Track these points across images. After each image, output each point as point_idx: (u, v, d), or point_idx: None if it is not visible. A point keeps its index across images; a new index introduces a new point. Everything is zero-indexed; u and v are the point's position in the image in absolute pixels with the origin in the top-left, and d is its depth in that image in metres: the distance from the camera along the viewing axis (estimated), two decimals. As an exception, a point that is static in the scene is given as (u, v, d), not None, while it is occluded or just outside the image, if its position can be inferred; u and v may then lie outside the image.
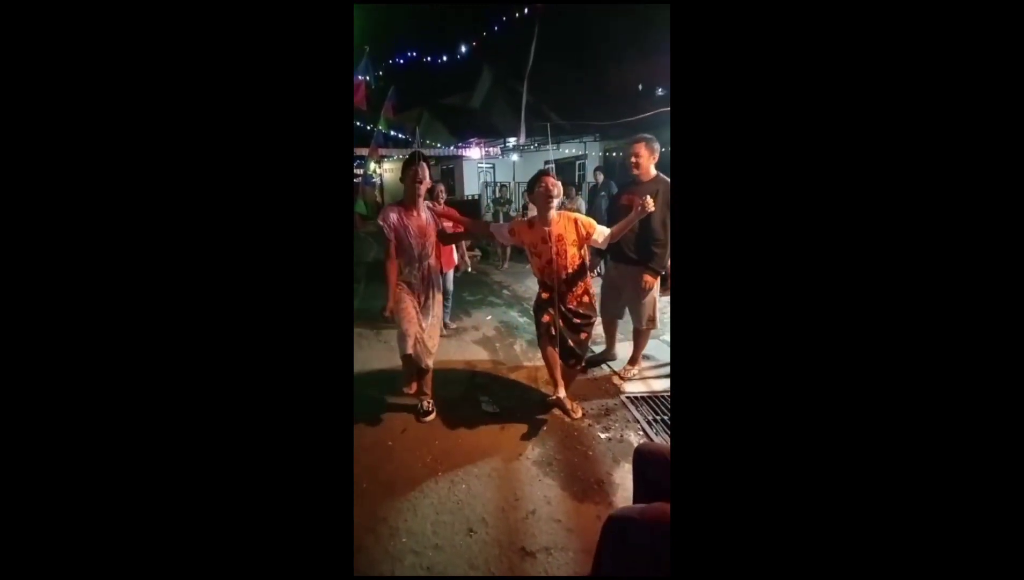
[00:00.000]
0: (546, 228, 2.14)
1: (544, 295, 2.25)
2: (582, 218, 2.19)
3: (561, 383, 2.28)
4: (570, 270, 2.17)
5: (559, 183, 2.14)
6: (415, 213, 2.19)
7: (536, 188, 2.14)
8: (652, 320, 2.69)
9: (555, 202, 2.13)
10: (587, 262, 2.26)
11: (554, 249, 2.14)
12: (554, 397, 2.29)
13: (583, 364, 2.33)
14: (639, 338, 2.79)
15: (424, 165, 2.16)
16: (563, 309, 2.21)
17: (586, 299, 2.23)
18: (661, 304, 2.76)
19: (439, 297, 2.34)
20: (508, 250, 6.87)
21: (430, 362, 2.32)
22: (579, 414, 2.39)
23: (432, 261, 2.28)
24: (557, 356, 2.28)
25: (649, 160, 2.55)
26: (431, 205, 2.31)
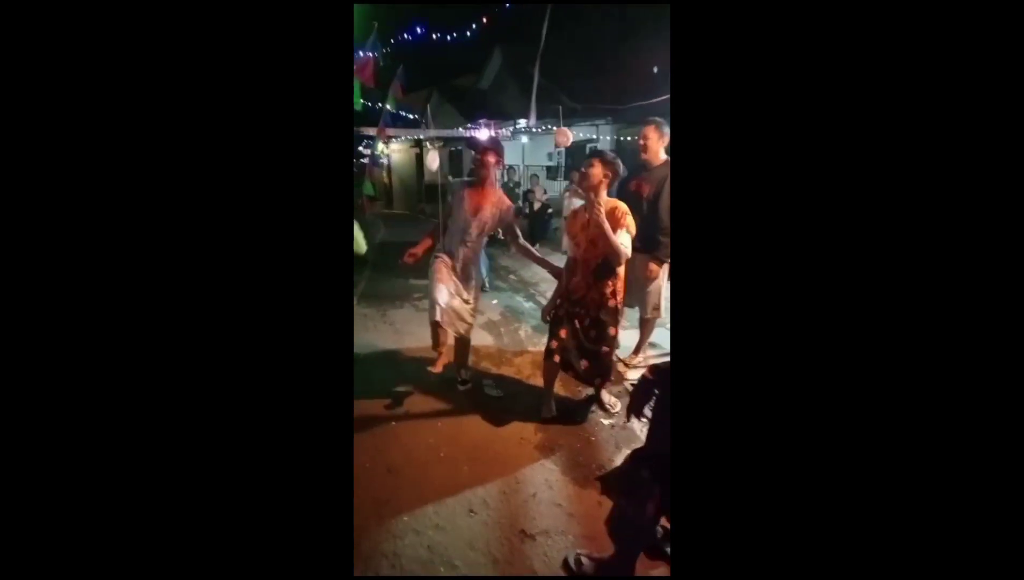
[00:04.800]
0: (587, 214, 1.99)
1: (561, 311, 2.11)
2: (622, 207, 1.99)
3: (551, 401, 2.26)
4: (600, 259, 2.01)
5: (599, 167, 1.97)
6: (478, 191, 2.25)
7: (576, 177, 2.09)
8: (657, 308, 2.66)
9: (601, 189, 1.97)
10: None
11: (591, 235, 1.98)
12: (547, 415, 2.23)
13: (608, 379, 2.19)
14: (644, 326, 2.77)
15: (490, 151, 2.24)
16: (581, 324, 2.07)
17: (611, 303, 2.05)
18: (668, 292, 2.73)
19: (479, 271, 2.38)
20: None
21: (462, 331, 2.34)
22: (617, 408, 2.29)
23: (476, 243, 2.29)
24: (554, 377, 2.25)
25: (659, 143, 2.48)
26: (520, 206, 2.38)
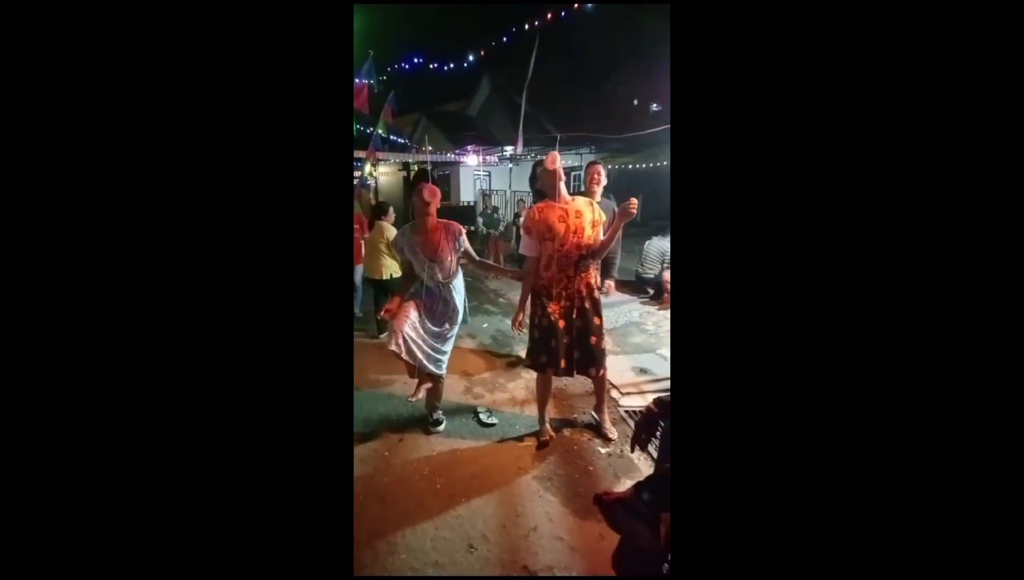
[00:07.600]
0: (564, 206, 2.03)
1: (545, 322, 2.10)
2: (597, 205, 2.10)
3: (547, 423, 2.27)
4: (584, 252, 2.05)
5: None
6: (427, 232, 2.16)
7: (537, 170, 2.13)
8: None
9: (562, 176, 2.07)
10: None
11: (571, 226, 2.01)
12: (545, 438, 2.22)
13: (603, 370, 2.21)
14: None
15: (430, 185, 2.16)
16: (568, 316, 2.09)
17: (596, 294, 2.13)
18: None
19: (457, 309, 2.28)
20: (502, 258, 6.87)
21: (431, 369, 2.24)
22: (615, 435, 2.30)
23: (444, 277, 2.22)
24: (548, 394, 2.26)
25: (599, 184, 2.43)
26: (459, 231, 2.25)
